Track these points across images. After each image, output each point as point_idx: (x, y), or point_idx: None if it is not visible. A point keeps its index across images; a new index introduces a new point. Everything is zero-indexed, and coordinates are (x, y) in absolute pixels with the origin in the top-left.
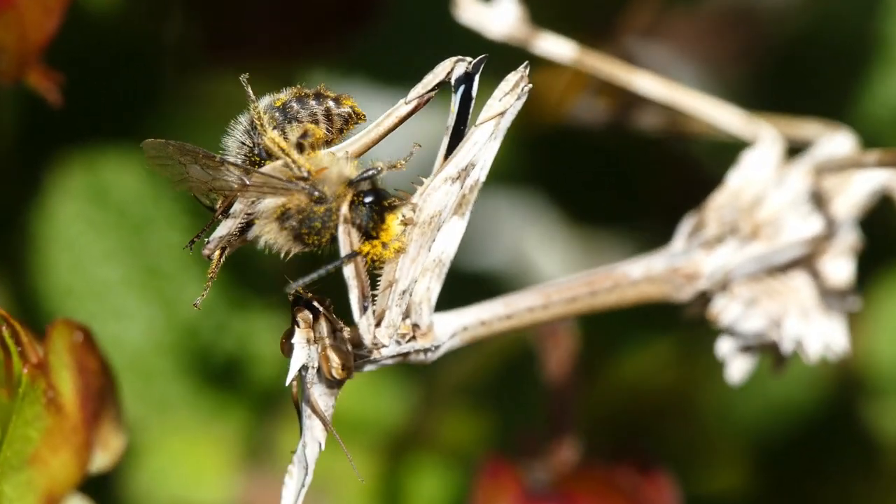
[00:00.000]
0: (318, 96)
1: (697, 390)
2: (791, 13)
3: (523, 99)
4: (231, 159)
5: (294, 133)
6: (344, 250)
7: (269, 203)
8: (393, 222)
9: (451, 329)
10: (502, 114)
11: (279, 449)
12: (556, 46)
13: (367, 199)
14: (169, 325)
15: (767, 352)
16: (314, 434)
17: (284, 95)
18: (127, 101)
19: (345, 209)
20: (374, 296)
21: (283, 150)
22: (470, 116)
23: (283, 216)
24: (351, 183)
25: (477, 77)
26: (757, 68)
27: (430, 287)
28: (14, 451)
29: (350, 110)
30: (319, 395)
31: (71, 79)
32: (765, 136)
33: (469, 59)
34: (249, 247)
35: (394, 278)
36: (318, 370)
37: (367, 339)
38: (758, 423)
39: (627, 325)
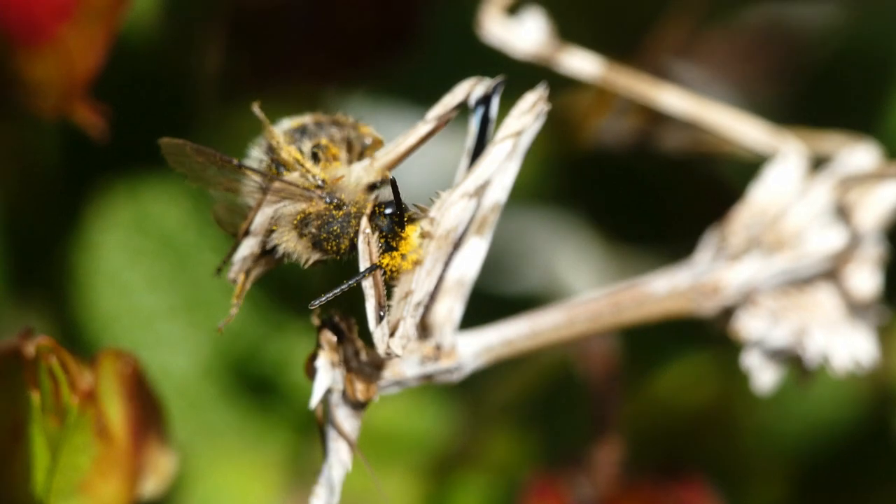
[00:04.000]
0: (336, 122)
1: (734, 406)
2: (826, 32)
3: (541, 120)
4: (249, 164)
5: (307, 146)
6: (363, 261)
7: (289, 210)
8: (412, 233)
9: (475, 349)
10: (520, 133)
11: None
12: (583, 64)
13: (388, 210)
14: (214, 352)
15: (793, 364)
16: (340, 456)
17: (303, 119)
18: (168, 130)
19: (365, 218)
20: (389, 306)
21: (297, 161)
22: (489, 137)
23: (301, 223)
24: (371, 189)
25: (496, 98)
26: (789, 88)
27: (453, 308)
28: (64, 478)
29: (368, 136)
30: (345, 417)
31: (113, 107)
32: (788, 150)
33: (488, 79)
34: (287, 269)
35: (409, 290)
36: (343, 393)
37: (381, 349)
38: (795, 439)
39: (663, 340)
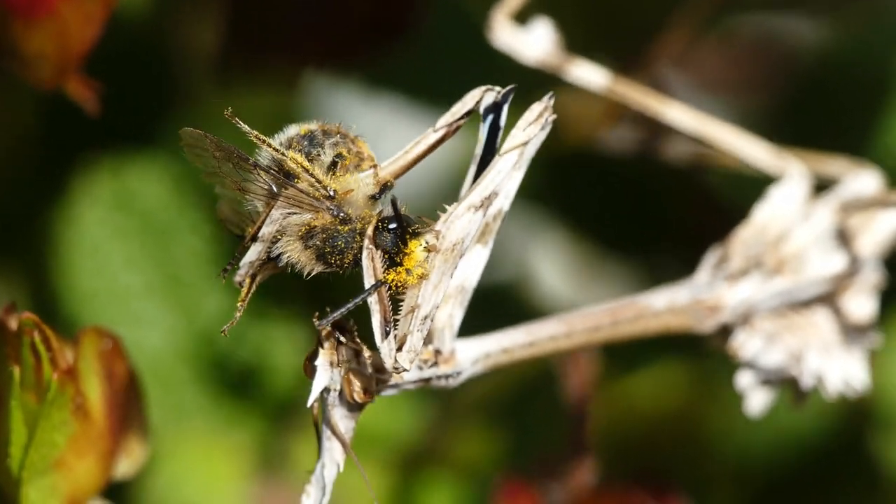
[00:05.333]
0: (341, 133)
1: (706, 416)
2: (818, 43)
3: (547, 129)
4: (264, 164)
5: (328, 154)
6: (368, 278)
7: (294, 220)
8: (417, 248)
9: (473, 356)
10: (526, 143)
11: (293, 459)
12: (589, 74)
13: (392, 225)
14: (188, 333)
15: (787, 386)
16: (333, 456)
17: (311, 126)
18: (154, 109)
19: (370, 234)
20: (395, 320)
21: (307, 171)
22: (497, 145)
23: (307, 235)
24: (375, 199)
25: (505, 107)
26: (782, 98)
27: (453, 314)
28: (40, 455)
29: (364, 152)
30: (340, 417)
31: (103, 83)
32: (792, 172)
33: (498, 88)
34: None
35: (416, 304)
36: (340, 393)
37: (389, 364)
38: (765, 451)
39: (637, 345)
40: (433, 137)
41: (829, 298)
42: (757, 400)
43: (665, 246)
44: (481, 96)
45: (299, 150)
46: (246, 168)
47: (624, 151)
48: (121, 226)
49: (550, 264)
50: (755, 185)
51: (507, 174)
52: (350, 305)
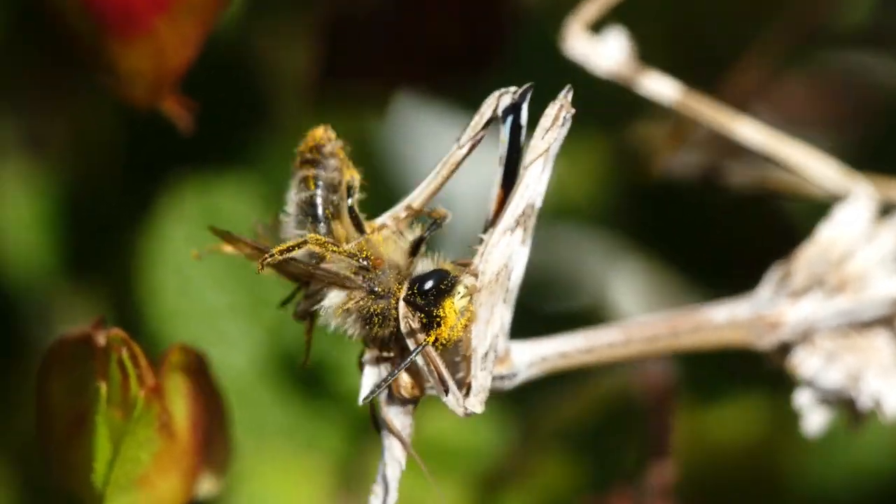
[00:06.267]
0: (324, 150)
1: (785, 451)
2: None
3: (567, 125)
4: (298, 255)
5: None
6: (410, 345)
7: (333, 299)
8: (450, 309)
9: (529, 358)
10: (547, 150)
11: (372, 480)
12: (662, 87)
13: (424, 288)
14: (271, 354)
15: (845, 407)
16: (393, 453)
17: (305, 170)
18: (243, 128)
19: (402, 308)
20: (457, 361)
21: (337, 251)
22: (521, 144)
23: (346, 313)
24: (412, 254)
25: (524, 105)
26: (866, 136)
27: (503, 315)
28: (124, 471)
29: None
30: (395, 414)
31: (194, 100)
32: (859, 193)
33: (514, 88)
34: None
35: (472, 347)
36: (390, 392)
37: (460, 413)
38: (843, 489)
39: (719, 375)
40: (459, 154)
41: (890, 321)
42: (815, 419)
43: (739, 272)
44: (497, 101)
45: (321, 204)
46: (280, 264)
47: (689, 177)
48: (207, 244)
49: (627, 291)
50: (824, 210)
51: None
52: (395, 372)
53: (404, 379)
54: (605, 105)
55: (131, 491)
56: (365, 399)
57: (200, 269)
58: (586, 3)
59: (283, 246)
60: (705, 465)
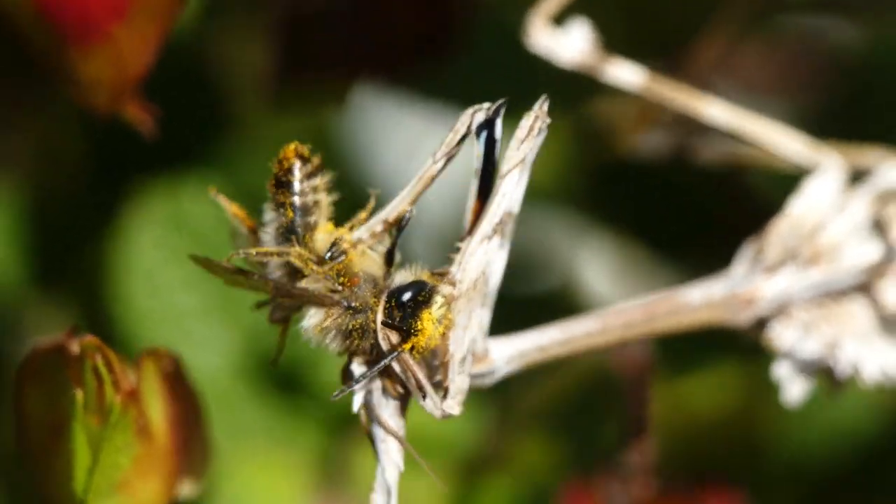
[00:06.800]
0: (293, 167)
1: (762, 417)
2: (860, 45)
3: (543, 135)
4: (273, 275)
5: (325, 238)
6: (387, 356)
7: (312, 318)
8: (428, 321)
9: (508, 354)
10: (523, 160)
11: (353, 473)
12: (626, 73)
13: (402, 300)
14: (245, 352)
15: (824, 375)
16: (391, 456)
17: (281, 192)
18: (206, 129)
19: (379, 319)
20: (435, 365)
21: (317, 271)
22: (496, 158)
23: (325, 331)
24: (386, 271)
25: (498, 121)
26: (825, 100)
27: (481, 318)
28: (104, 477)
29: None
30: (389, 415)
31: (156, 105)
32: (827, 163)
33: (487, 104)
34: None
35: (450, 353)
36: (383, 391)
37: (438, 415)
38: (822, 451)
39: (692, 346)
40: (434, 168)
41: (865, 288)
42: (795, 389)
43: (709, 247)
44: (471, 118)
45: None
46: (255, 285)
47: (658, 155)
48: (175, 246)
49: (596, 270)
50: (793, 183)
51: (513, 191)
52: (373, 371)
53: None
54: (566, 82)
55: (112, 496)
56: (334, 396)
57: (170, 272)
58: None
59: (263, 249)
60: (683, 436)
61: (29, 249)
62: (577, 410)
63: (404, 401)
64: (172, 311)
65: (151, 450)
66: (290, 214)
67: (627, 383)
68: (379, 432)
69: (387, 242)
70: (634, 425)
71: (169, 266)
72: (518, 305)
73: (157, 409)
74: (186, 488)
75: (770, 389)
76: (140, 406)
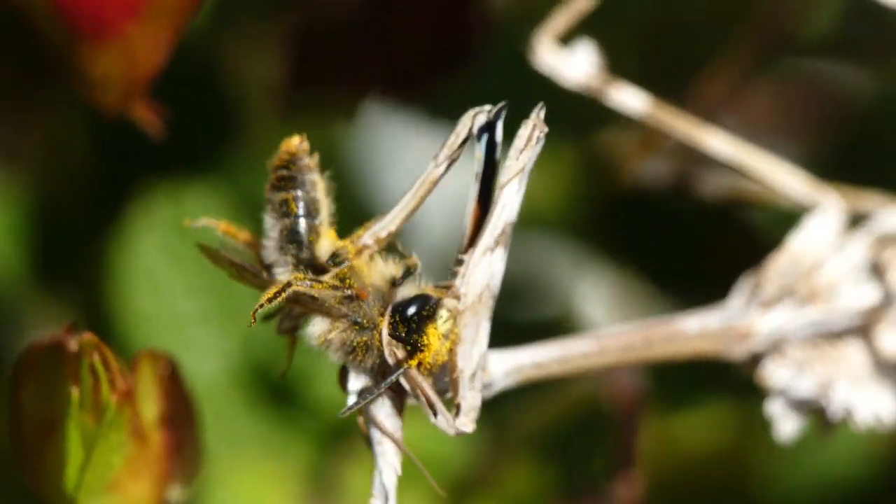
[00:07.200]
0: (297, 167)
1: (753, 457)
2: (869, 90)
3: (541, 144)
4: (280, 276)
5: (329, 246)
6: (393, 371)
7: (317, 326)
8: (434, 336)
9: (505, 368)
10: (522, 170)
11: (344, 486)
12: (630, 99)
13: (406, 315)
14: (242, 360)
15: (816, 416)
16: (388, 459)
17: (284, 193)
18: (214, 135)
19: (386, 339)
20: (445, 380)
21: (324, 287)
22: (497, 161)
23: (327, 342)
24: (393, 284)
25: (499, 123)
26: (831, 144)
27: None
28: (96, 476)
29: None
30: (385, 416)
31: (164, 109)
32: (828, 203)
33: (488, 107)
34: None
35: (459, 369)
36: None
37: (451, 433)
38: (807, 492)
39: (688, 382)
40: (436, 172)
41: (861, 331)
42: (787, 427)
43: (707, 282)
44: (472, 120)
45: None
46: (261, 284)
47: (660, 186)
48: (178, 251)
49: (594, 300)
50: (795, 220)
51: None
52: (380, 390)
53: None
54: (573, 112)
55: (103, 495)
56: (342, 412)
57: (172, 275)
58: (555, 15)
59: (269, 293)
60: (674, 472)
61: (33, 246)
62: (569, 438)
63: (401, 400)
64: (172, 315)
65: (144, 451)
66: (294, 209)
67: (618, 414)
68: (375, 434)
69: (389, 267)
70: (623, 456)
71: (170, 270)
72: (514, 331)
73: (151, 411)
74: (177, 492)
75: (762, 430)
76: (135, 407)
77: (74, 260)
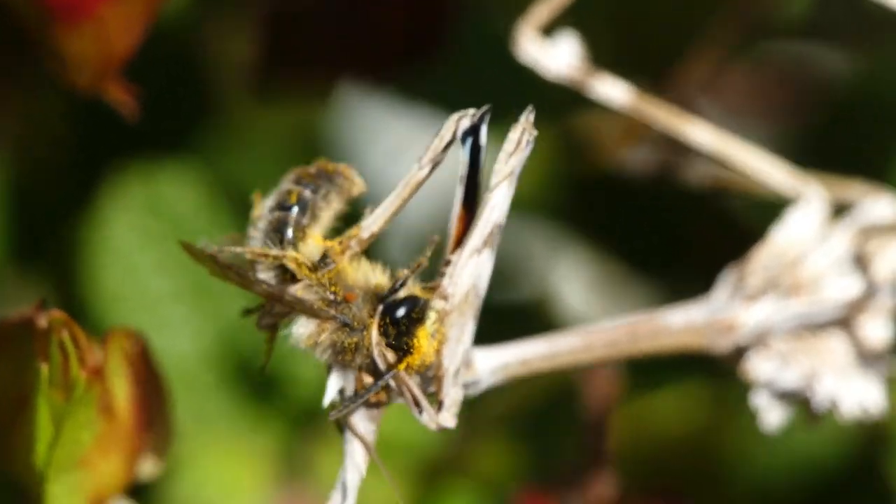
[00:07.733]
0: (325, 175)
1: (726, 438)
2: (847, 72)
3: (530, 147)
4: (264, 277)
5: (314, 247)
6: (383, 374)
7: (303, 327)
8: (424, 338)
9: (492, 365)
10: (511, 173)
11: (315, 466)
12: (612, 90)
13: (396, 317)
14: (214, 339)
15: (801, 407)
16: (354, 459)
17: (292, 185)
18: (188, 115)
19: (375, 340)
20: (429, 377)
21: (311, 277)
22: (481, 164)
23: (315, 346)
24: (379, 301)
25: (483, 127)
26: (809, 125)
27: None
28: (65, 452)
29: (355, 179)
30: (360, 418)
31: (138, 89)
32: (811, 195)
33: (473, 110)
34: None
35: (444, 367)
36: (356, 392)
37: (433, 427)
38: (783, 474)
39: (660, 364)
40: (420, 175)
41: (845, 322)
42: (772, 418)
43: (686, 267)
44: (457, 124)
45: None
46: (247, 284)
47: (643, 173)
48: (151, 230)
49: (573, 283)
50: (775, 209)
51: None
52: (366, 394)
53: (368, 382)
54: (552, 94)
55: (72, 472)
56: (333, 414)
57: (145, 255)
58: (537, 6)
59: (258, 250)
60: (646, 451)
61: (5, 225)
62: (541, 419)
63: (378, 405)
64: (145, 295)
65: (114, 428)
66: (294, 199)
67: (591, 394)
68: (347, 433)
69: (375, 274)
70: (595, 436)
71: (144, 249)
72: (491, 314)
73: (121, 388)
74: (147, 468)
75: (737, 411)
76: (105, 383)
77: (48, 239)
